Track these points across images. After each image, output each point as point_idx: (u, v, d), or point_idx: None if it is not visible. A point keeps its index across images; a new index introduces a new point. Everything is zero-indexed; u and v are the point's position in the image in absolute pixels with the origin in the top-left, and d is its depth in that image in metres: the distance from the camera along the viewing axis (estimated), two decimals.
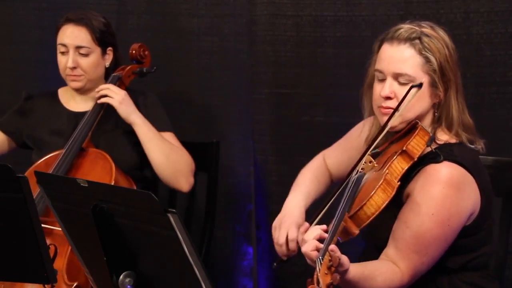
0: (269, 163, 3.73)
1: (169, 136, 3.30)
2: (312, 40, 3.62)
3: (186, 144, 3.34)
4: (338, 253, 2.13)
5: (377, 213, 2.29)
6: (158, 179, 3.31)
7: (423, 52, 2.45)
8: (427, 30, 2.49)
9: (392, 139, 2.53)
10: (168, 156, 3.22)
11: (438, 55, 2.46)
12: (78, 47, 3.25)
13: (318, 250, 2.22)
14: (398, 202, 2.44)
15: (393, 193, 2.31)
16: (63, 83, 3.45)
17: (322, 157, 2.86)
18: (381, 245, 2.47)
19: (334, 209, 2.39)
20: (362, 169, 2.44)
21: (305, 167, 2.86)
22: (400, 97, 2.45)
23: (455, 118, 2.51)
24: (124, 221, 2.12)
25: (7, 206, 2.28)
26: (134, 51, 3.41)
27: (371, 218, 2.29)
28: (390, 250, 2.43)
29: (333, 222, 2.28)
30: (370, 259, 2.45)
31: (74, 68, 3.25)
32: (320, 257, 2.10)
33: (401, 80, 2.46)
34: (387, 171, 2.35)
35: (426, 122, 2.52)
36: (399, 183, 2.35)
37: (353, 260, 2.28)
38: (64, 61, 3.27)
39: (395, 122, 2.46)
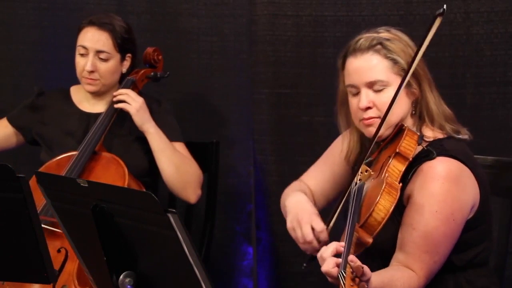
0: (269, 163, 3.73)
1: (179, 146, 3.29)
2: (312, 40, 3.62)
3: (186, 144, 3.34)
4: (359, 262, 2.10)
5: (387, 217, 2.27)
6: (158, 183, 3.31)
7: (388, 55, 2.47)
8: (385, 34, 2.50)
9: (382, 145, 2.53)
10: (178, 167, 3.22)
11: (403, 54, 2.47)
12: (98, 52, 3.24)
13: (338, 265, 2.18)
14: (398, 205, 2.41)
15: (398, 194, 2.31)
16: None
17: (299, 182, 2.79)
18: (383, 248, 2.46)
19: (343, 222, 2.38)
20: (359, 180, 2.44)
21: (285, 191, 2.77)
22: (379, 105, 2.45)
23: (434, 111, 2.51)
24: (124, 221, 2.12)
25: (7, 206, 2.28)
26: (148, 56, 3.39)
27: (382, 223, 2.27)
28: (400, 256, 2.42)
29: (345, 235, 2.24)
30: (368, 265, 2.44)
31: (92, 72, 3.24)
32: (342, 271, 2.07)
33: (376, 87, 2.47)
34: (386, 174, 2.35)
35: (409, 123, 2.52)
36: (400, 184, 2.35)
37: None
38: (82, 63, 3.25)
39: (380, 131, 2.46)
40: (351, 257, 2.09)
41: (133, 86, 3.29)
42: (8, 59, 3.93)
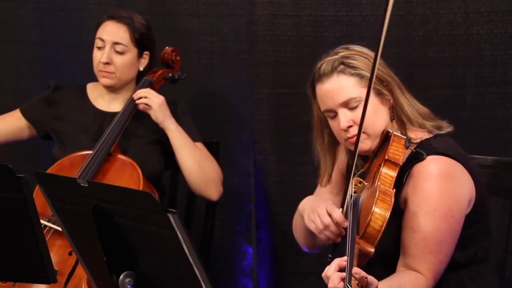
0: (269, 163, 3.73)
1: (200, 146, 3.30)
2: (312, 40, 3.62)
3: None
4: (363, 273, 2.11)
5: (385, 224, 2.28)
6: (159, 185, 3.30)
7: (353, 72, 2.51)
8: (344, 53, 2.55)
9: (372, 156, 2.56)
10: (200, 164, 3.22)
11: (367, 67, 2.51)
12: (115, 44, 3.23)
13: (343, 280, 2.18)
14: (396, 210, 2.43)
15: (392, 200, 2.32)
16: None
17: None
18: (384, 253, 2.45)
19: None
20: (354, 192, 2.46)
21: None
22: (358, 121, 2.47)
23: (410, 112, 2.55)
24: (124, 221, 2.12)
25: (7, 206, 2.28)
26: (166, 55, 3.39)
27: (381, 232, 2.28)
28: (405, 260, 2.43)
29: (347, 248, 2.25)
30: (371, 272, 2.44)
31: (107, 64, 3.23)
32: (348, 285, 2.08)
33: (350, 105, 2.52)
34: (379, 183, 2.37)
35: (394, 129, 2.54)
36: (394, 190, 2.36)
37: None
38: (99, 56, 3.25)
39: (367, 145, 2.51)
40: (355, 269, 2.11)
41: (151, 87, 3.28)
42: (8, 59, 3.93)
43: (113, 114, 3.25)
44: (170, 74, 3.37)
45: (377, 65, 2.32)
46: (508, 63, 3.46)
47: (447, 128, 2.57)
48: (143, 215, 2.05)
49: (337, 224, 2.49)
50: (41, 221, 2.40)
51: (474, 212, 2.49)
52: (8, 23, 3.90)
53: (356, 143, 2.41)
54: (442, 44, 3.51)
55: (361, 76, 2.51)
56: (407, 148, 2.44)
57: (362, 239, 2.28)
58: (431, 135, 2.54)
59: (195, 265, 2.00)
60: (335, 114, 2.54)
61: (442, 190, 2.41)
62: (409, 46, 3.54)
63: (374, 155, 2.54)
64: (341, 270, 2.21)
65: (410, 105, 2.56)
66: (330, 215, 2.50)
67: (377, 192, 2.32)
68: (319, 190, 2.79)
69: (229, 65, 3.76)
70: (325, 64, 2.55)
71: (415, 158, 2.46)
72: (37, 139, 3.41)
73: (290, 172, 3.69)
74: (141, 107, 3.22)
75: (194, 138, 3.28)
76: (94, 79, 3.34)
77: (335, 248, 2.54)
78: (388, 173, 2.40)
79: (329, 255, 2.54)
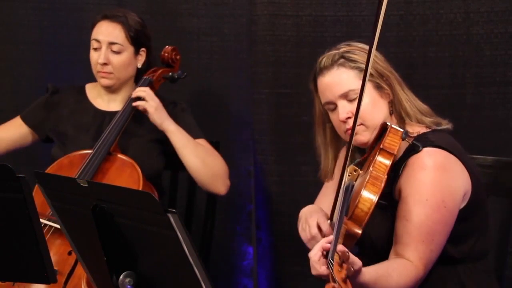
0: (269, 163, 3.73)
1: (202, 142, 3.29)
2: (312, 40, 3.62)
3: None
4: (346, 249, 2.14)
5: (372, 207, 2.31)
6: (159, 185, 3.30)
7: (352, 66, 2.57)
8: (345, 48, 2.61)
9: (369, 148, 2.59)
10: (204, 161, 3.22)
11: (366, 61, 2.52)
12: (111, 44, 3.23)
13: (324, 256, 2.24)
14: (391, 200, 2.47)
15: (382, 185, 2.34)
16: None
17: None
18: (378, 246, 2.49)
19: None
20: (350, 180, 2.50)
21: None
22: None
23: (408, 107, 2.59)
24: (124, 221, 2.12)
25: (7, 206, 2.28)
26: (166, 54, 3.39)
27: (369, 214, 2.31)
28: (397, 248, 2.45)
29: (334, 228, 2.29)
30: (365, 264, 2.46)
31: (104, 64, 3.23)
32: (330, 259, 2.11)
33: (350, 97, 2.56)
34: (371, 169, 2.40)
35: (393, 123, 2.56)
36: (386, 176, 2.38)
37: None
38: (96, 57, 3.25)
39: (365, 137, 2.56)
40: (339, 246, 2.14)
41: (150, 86, 3.28)
42: (8, 59, 3.93)
43: (113, 114, 3.25)
44: (170, 73, 3.37)
45: (372, 54, 2.33)
46: (508, 63, 3.46)
47: (445, 125, 2.60)
48: (143, 215, 2.05)
49: (324, 236, 2.53)
50: (41, 220, 2.39)
51: (470, 206, 2.50)
52: (8, 23, 3.90)
53: (352, 132, 2.43)
54: (442, 44, 3.51)
55: (360, 69, 2.54)
56: (403, 139, 2.47)
57: (350, 220, 2.32)
58: (428, 130, 2.57)
59: (195, 265, 2.00)
60: (335, 107, 2.58)
61: (436, 181, 2.43)
62: (409, 46, 3.54)
63: (372, 147, 2.57)
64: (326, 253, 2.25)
65: (409, 100, 2.60)
66: (319, 227, 2.57)
67: (368, 176, 2.35)
68: (325, 186, 2.84)
69: (229, 65, 3.76)
70: (325, 58, 2.60)
71: (411, 150, 2.49)
72: (38, 142, 3.42)
73: (290, 172, 3.70)
74: (139, 108, 3.21)
75: (195, 135, 3.27)
76: (94, 79, 3.34)
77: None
78: (382, 161, 2.42)
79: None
